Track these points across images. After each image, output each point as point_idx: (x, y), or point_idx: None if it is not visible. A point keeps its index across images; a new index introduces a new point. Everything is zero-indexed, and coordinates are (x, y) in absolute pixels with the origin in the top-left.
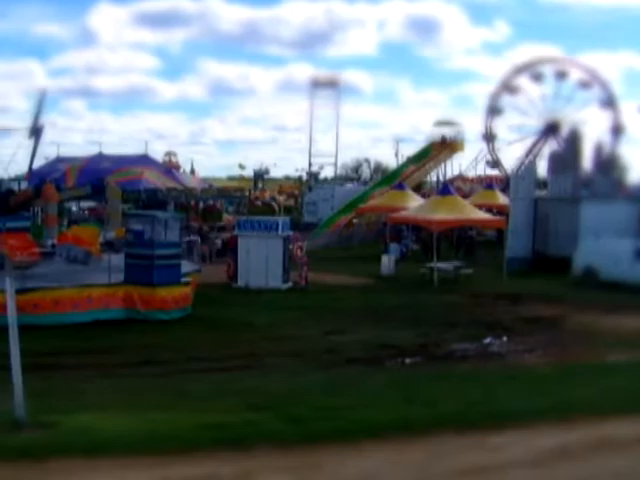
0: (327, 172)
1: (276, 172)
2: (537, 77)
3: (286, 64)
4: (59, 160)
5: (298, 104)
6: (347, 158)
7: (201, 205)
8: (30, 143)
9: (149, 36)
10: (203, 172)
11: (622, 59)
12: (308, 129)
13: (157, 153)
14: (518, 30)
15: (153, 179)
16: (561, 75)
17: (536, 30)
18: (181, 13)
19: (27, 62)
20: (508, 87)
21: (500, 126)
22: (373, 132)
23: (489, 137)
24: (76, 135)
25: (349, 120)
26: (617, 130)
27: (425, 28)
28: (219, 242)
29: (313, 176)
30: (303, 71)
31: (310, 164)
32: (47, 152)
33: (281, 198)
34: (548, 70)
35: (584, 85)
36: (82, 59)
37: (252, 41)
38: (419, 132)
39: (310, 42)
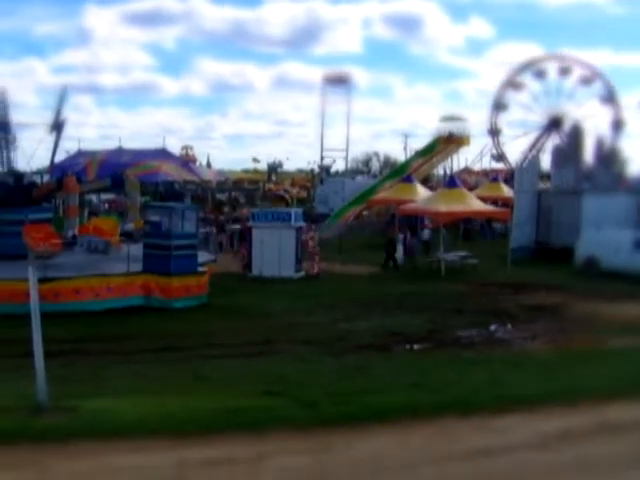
0: (338, 165)
1: (289, 165)
2: (540, 74)
3: (277, 62)
4: (80, 154)
5: (296, 100)
6: (356, 152)
7: (221, 197)
8: (52, 137)
9: (143, 35)
10: (216, 165)
11: (599, 57)
12: (311, 124)
13: (169, 148)
14: (500, 28)
15: (171, 172)
16: (564, 72)
17: (516, 28)
18: (169, 13)
19: (29, 60)
20: (512, 84)
21: (503, 121)
22: (373, 127)
23: (494, 132)
24: (85, 130)
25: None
26: (617, 125)
27: (410, 26)
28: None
29: (325, 169)
30: (295, 68)
31: (322, 158)
32: (65, 146)
33: (294, 190)
34: (551, 67)
35: (586, 81)
36: (81, 57)
37: (240, 40)
38: (416, 126)
39: (298, 41)
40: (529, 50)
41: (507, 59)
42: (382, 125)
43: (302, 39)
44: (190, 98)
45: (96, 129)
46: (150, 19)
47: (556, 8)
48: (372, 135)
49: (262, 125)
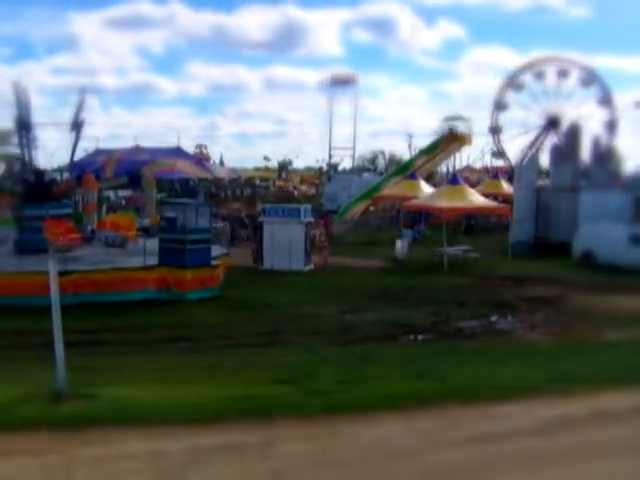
0: (345, 163)
1: (298, 163)
2: (540, 75)
3: (265, 64)
4: (98, 152)
5: (290, 100)
6: (361, 150)
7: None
8: (71, 136)
9: (134, 39)
10: (227, 164)
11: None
12: (310, 122)
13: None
14: (473, 31)
15: (186, 170)
16: (563, 74)
17: (488, 31)
18: (155, 18)
19: (27, 63)
20: (513, 84)
21: (503, 120)
22: (370, 126)
23: (495, 130)
24: (93, 129)
25: (345, 115)
26: (612, 126)
27: (389, 29)
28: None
29: (332, 167)
30: (282, 70)
31: (330, 156)
32: (83, 145)
33: (303, 187)
34: (550, 69)
35: (583, 83)
36: (78, 61)
37: (226, 44)
38: (408, 125)
39: (281, 44)
40: (501, 53)
41: (483, 60)
42: (377, 124)
43: (285, 43)
44: (188, 98)
45: (104, 128)
46: (137, 24)
47: (526, 10)
48: (369, 134)
49: (263, 124)
